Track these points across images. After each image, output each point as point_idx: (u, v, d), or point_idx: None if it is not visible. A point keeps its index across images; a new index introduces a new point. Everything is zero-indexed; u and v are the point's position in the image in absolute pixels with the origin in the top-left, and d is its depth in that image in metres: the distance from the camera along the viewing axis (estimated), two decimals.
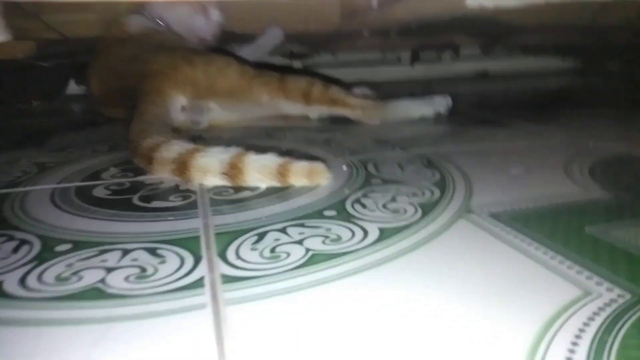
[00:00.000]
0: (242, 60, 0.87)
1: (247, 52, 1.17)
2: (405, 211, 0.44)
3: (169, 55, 0.84)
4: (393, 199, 0.47)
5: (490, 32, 1.35)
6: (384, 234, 0.39)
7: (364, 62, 1.42)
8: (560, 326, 0.27)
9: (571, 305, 0.29)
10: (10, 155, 0.70)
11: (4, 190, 0.54)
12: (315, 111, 0.87)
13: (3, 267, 0.36)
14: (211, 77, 0.82)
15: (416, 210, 0.44)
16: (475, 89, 1.29)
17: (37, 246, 0.39)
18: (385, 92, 1.01)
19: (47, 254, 0.38)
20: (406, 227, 0.40)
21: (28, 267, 0.36)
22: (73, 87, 1.32)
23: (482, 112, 0.94)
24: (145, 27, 1.01)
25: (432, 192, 0.48)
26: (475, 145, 0.68)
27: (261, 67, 0.85)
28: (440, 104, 0.86)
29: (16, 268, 0.36)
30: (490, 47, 1.49)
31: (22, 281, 0.34)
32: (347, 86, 0.90)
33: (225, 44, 1.14)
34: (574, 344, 0.26)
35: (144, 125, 0.65)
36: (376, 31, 1.24)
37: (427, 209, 0.44)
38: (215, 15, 1.02)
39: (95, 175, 0.58)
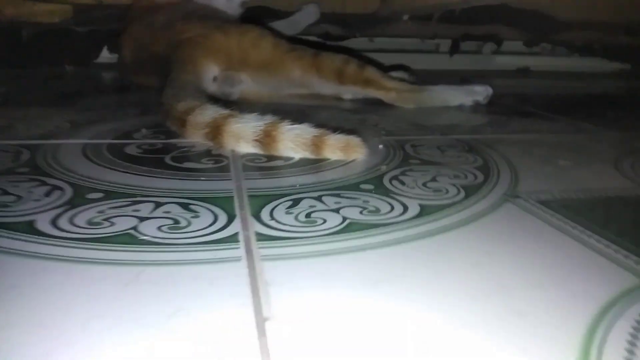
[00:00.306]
0: (277, 34, 0.85)
1: (281, 27, 1.15)
2: (447, 191, 0.42)
3: (203, 24, 0.83)
4: (434, 179, 0.45)
5: (536, 26, 1.30)
6: (425, 210, 0.37)
7: (400, 49, 1.39)
8: (620, 313, 0.25)
9: (629, 293, 0.27)
10: (43, 111, 0.70)
11: (38, 142, 0.53)
12: (349, 91, 0.85)
13: (35, 208, 0.35)
14: (244, 48, 0.80)
15: (459, 191, 0.42)
16: (516, 83, 1.25)
17: (68, 192, 0.39)
18: (421, 81, 0.98)
19: (78, 199, 0.37)
20: (448, 205, 0.39)
21: (60, 210, 0.35)
22: (105, 55, 1.32)
23: (524, 105, 0.91)
24: None
25: (475, 176, 0.46)
26: (519, 135, 0.65)
27: (297, 42, 0.83)
28: (480, 92, 0.83)
29: (48, 209, 0.35)
30: (534, 43, 1.44)
31: (54, 222, 0.33)
32: (383, 68, 0.87)
33: (258, 19, 1.13)
34: (636, 329, 0.24)
35: (177, 90, 0.64)
36: (417, 16, 1.20)
37: (470, 191, 0.42)
38: None
39: (127, 135, 0.58)
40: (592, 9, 1.27)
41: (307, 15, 1.19)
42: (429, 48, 1.41)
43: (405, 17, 1.19)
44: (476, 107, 0.83)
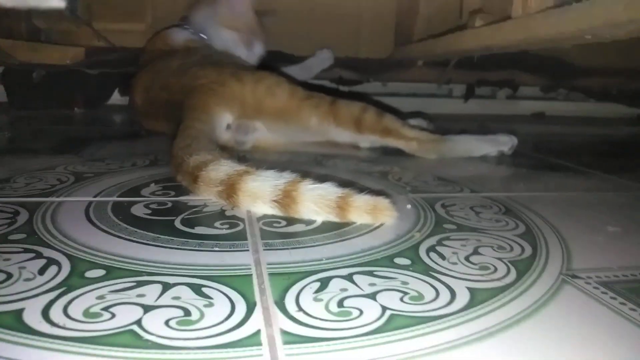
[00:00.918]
0: (292, 80, 0.82)
1: (295, 72, 1.13)
2: (496, 269, 0.37)
3: (217, 70, 0.80)
4: (476, 252, 0.40)
5: (554, 72, 1.28)
6: (476, 298, 0.32)
7: (413, 93, 1.37)
8: None
9: None
10: (47, 160, 0.66)
11: (37, 199, 0.49)
12: (367, 140, 0.81)
13: (27, 291, 0.30)
14: (259, 95, 0.77)
15: (508, 270, 0.37)
16: (532, 129, 1.21)
17: (66, 268, 0.34)
18: (436, 125, 0.95)
19: (76, 279, 0.32)
20: (502, 289, 0.33)
21: (54, 293, 0.30)
22: (116, 97, 1.30)
23: (547, 155, 0.87)
24: (190, 40, 0.99)
25: (523, 248, 0.41)
26: (555, 193, 0.60)
27: (312, 88, 0.80)
28: (505, 143, 0.79)
29: (41, 294, 0.30)
30: (551, 89, 1.41)
31: (46, 312, 0.28)
32: (402, 115, 0.84)
33: (272, 64, 1.11)
34: None
35: (189, 140, 0.60)
36: (431, 62, 1.18)
37: (521, 269, 0.37)
38: (258, 49, 1.00)
39: (135, 191, 0.53)
40: (609, 56, 1.25)
41: (321, 61, 1.18)
42: (442, 92, 1.39)
43: (420, 62, 1.17)
44: (501, 158, 0.79)
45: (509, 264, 0.38)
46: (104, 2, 1.25)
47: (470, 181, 0.63)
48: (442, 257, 0.39)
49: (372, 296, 0.32)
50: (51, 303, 0.29)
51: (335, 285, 0.33)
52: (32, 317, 0.28)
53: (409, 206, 0.51)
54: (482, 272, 0.36)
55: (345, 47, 1.27)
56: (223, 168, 0.50)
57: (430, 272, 0.36)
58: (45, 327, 0.27)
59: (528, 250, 0.41)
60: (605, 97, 1.43)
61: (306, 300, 0.31)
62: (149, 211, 0.47)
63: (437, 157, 0.77)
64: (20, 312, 0.28)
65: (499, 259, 0.39)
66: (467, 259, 0.38)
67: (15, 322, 0.27)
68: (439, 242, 0.42)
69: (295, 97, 0.77)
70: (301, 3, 1.23)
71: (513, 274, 0.36)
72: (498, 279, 0.35)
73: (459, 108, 1.39)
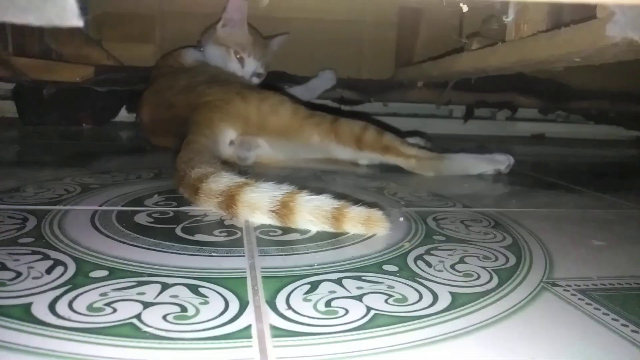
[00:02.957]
0: (295, 100, 0.85)
1: (299, 92, 1.16)
2: (479, 276, 0.38)
3: (223, 89, 0.84)
4: (462, 261, 0.42)
5: (552, 94, 1.30)
6: (457, 301, 0.34)
7: (414, 113, 1.40)
8: None
9: None
10: (55, 172, 0.69)
11: (45, 207, 0.52)
12: (366, 157, 0.84)
13: (34, 288, 0.33)
14: (263, 114, 0.80)
15: (491, 277, 0.38)
16: (532, 150, 1.23)
17: (71, 269, 0.36)
18: (435, 145, 0.97)
19: (81, 278, 0.35)
20: (482, 294, 0.35)
21: (60, 290, 0.32)
22: (123, 114, 1.34)
23: (543, 174, 0.89)
24: (198, 60, 1.03)
25: (507, 258, 0.43)
26: (545, 210, 0.62)
27: (315, 108, 0.83)
28: (502, 161, 0.81)
29: (48, 290, 0.32)
30: (549, 111, 1.44)
31: (52, 306, 0.30)
32: (401, 134, 0.86)
33: (276, 84, 1.15)
34: None
35: (192, 154, 0.62)
36: (431, 83, 1.22)
37: (503, 277, 0.39)
38: (250, 66, 1.03)
39: (139, 202, 0.56)
40: (607, 78, 1.28)
41: (324, 82, 1.21)
42: (442, 113, 1.42)
43: (420, 83, 1.20)
44: (497, 177, 0.81)
45: (492, 272, 0.39)
46: (114, 23, 1.30)
47: (464, 197, 0.65)
48: (429, 265, 0.40)
49: (359, 298, 0.34)
50: (57, 298, 0.31)
51: (325, 287, 0.35)
52: (40, 310, 0.30)
53: (401, 219, 0.53)
54: (466, 278, 0.38)
55: (348, 68, 1.31)
56: (223, 180, 0.52)
57: (416, 278, 0.37)
58: (51, 319, 0.29)
59: (512, 260, 0.42)
60: (603, 119, 1.46)
61: (296, 300, 0.33)
62: (152, 220, 0.49)
63: (435, 174, 0.79)
64: (28, 305, 0.30)
65: (483, 267, 0.40)
66: (452, 267, 0.40)
67: (24, 314, 0.29)
68: (427, 252, 0.43)
69: (297, 115, 0.80)
70: (305, 26, 1.27)
71: (495, 281, 0.38)
72: (480, 285, 0.37)
73: (458, 129, 1.42)
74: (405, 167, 0.80)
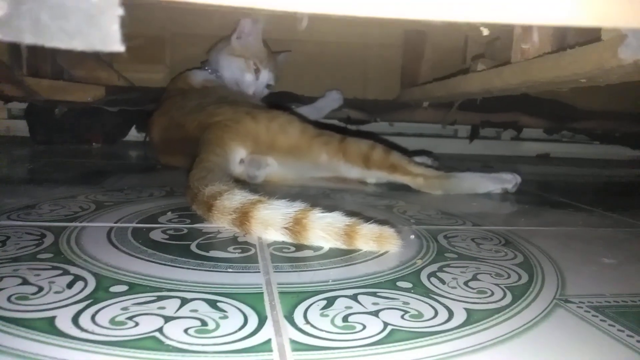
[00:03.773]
0: (304, 119, 0.87)
1: (306, 112, 1.18)
2: (492, 293, 0.39)
3: (233, 108, 0.85)
4: (475, 278, 0.42)
5: (557, 114, 1.32)
6: (472, 317, 0.34)
7: (420, 133, 1.41)
8: None
9: None
10: (68, 190, 0.70)
11: (62, 224, 0.53)
12: (374, 176, 0.85)
13: (57, 302, 0.33)
14: (273, 133, 0.82)
15: (505, 294, 0.39)
16: (536, 170, 1.24)
17: (91, 284, 0.37)
18: (441, 165, 0.98)
19: (101, 293, 0.35)
20: (497, 310, 0.35)
21: (82, 304, 0.33)
22: (133, 134, 1.36)
23: (551, 193, 0.89)
24: (207, 79, 1.05)
25: (520, 275, 0.43)
26: (555, 228, 0.63)
27: (323, 127, 0.85)
28: (509, 180, 0.82)
29: (70, 304, 0.33)
30: (554, 131, 1.45)
31: (75, 319, 0.31)
32: (408, 153, 0.87)
33: (284, 104, 1.16)
34: None
35: (204, 172, 0.64)
36: (436, 104, 1.23)
37: (516, 293, 0.39)
38: (264, 76, 1.06)
39: (153, 219, 0.57)
40: (612, 99, 1.29)
41: (331, 102, 1.23)
42: (448, 133, 1.43)
43: (426, 104, 1.22)
44: (504, 196, 0.82)
45: (505, 289, 0.40)
46: (125, 45, 1.33)
47: (473, 216, 0.66)
48: (442, 281, 0.41)
49: (375, 313, 0.34)
50: (80, 312, 0.32)
51: (341, 303, 0.36)
52: (64, 323, 0.30)
53: (412, 236, 0.54)
54: (480, 295, 0.38)
55: (354, 89, 1.33)
56: (237, 197, 0.53)
57: (430, 295, 0.38)
58: (75, 332, 0.29)
59: (525, 278, 0.43)
60: (608, 139, 1.47)
61: (313, 315, 0.33)
62: (167, 236, 0.50)
63: (442, 193, 0.79)
64: (52, 319, 0.31)
65: (496, 284, 0.41)
66: (465, 283, 0.41)
67: (49, 327, 0.30)
68: (440, 269, 0.44)
69: (306, 134, 0.82)
70: (311, 48, 1.29)
71: (509, 297, 0.38)
72: (494, 302, 0.37)
73: (464, 148, 1.43)
74: (413, 186, 0.81)
